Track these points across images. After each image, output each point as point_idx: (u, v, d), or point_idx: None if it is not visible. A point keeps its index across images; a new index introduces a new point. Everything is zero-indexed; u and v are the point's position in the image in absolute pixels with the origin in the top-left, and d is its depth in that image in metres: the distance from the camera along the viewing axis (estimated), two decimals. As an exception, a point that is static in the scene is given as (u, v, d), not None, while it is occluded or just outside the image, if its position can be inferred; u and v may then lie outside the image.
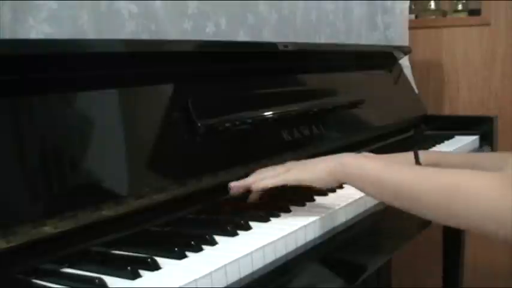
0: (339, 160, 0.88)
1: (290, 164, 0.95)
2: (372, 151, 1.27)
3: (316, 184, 0.90)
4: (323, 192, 1.01)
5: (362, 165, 0.85)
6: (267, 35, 1.49)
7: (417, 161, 1.08)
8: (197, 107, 1.00)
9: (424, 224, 1.33)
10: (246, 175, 1.03)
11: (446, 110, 2.24)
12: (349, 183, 0.88)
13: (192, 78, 1.07)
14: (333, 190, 1.03)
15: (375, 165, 0.84)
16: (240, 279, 0.70)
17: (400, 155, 1.10)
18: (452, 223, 0.77)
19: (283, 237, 0.79)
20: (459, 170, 0.80)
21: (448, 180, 0.75)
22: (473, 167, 1.04)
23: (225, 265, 0.68)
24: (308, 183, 0.90)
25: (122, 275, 0.67)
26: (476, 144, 1.66)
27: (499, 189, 0.70)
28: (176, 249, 0.73)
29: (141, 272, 0.68)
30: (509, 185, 0.70)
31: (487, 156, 1.15)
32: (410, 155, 1.09)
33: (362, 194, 0.99)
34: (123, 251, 0.76)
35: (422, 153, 1.10)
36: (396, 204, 0.81)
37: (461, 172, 0.78)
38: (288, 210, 0.92)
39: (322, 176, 0.88)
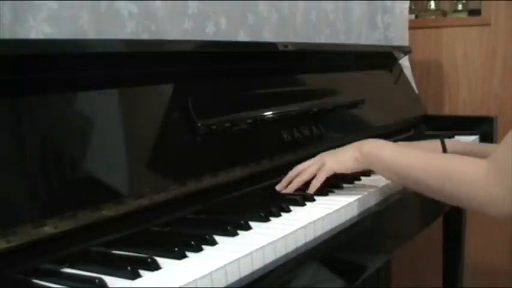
0: (361, 148, 0.99)
1: (323, 157, 1.04)
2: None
3: (347, 171, 1.02)
4: (323, 192, 1.01)
5: (377, 153, 0.97)
6: (267, 35, 1.49)
7: (444, 148, 1.19)
8: (197, 107, 1.00)
9: (424, 223, 1.33)
10: (246, 175, 1.03)
11: (446, 110, 2.24)
12: (371, 169, 1.01)
13: (192, 78, 1.07)
14: (332, 191, 1.03)
15: (389, 152, 0.97)
16: (240, 279, 0.70)
17: (427, 142, 1.23)
18: (447, 201, 0.93)
19: (283, 237, 0.79)
20: (452, 157, 0.96)
21: (443, 166, 0.89)
22: None
23: (225, 265, 0.68)
24: (340, 172, 1.02)
25: (122, 275, 0.67)
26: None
27: (484, 174, 0.84)
28: (176, 249, 0.73)
29: (141, 272, 0.68)
30: (493, 171, 0.83)
31: None
32: (437, 142, 1.21)
33: (361, 193, 1.00)
34: (123, 251, 0.76)
35: (453, 141, 1.24)
36: (406, 185, 0.97)
37: (454, 159, 0.93)
38: (288, 210, 0.92)
39: (349, 165, 1.00)
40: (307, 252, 0.81)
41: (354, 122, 1.48)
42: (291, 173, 1.06)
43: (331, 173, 1.01)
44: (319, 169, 1.02)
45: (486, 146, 1.29)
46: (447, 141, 1.21)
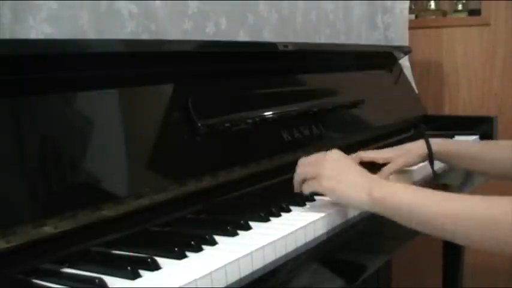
0: (371, 192, 0.87)
1: (324, 169, 0.91)
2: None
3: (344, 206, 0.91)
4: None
5: (393, 200, 0.86)
6: (267, 35, 1.49)
7: (429, 149, 1.17)
8: (197, 107, 1.00)
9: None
10: (246, 175, 1.03)
11: (446, 110, 2.24)
12: (380, 214, 0.89)
13: (192, 78, 1.07)
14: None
15: (405, 198, 0.85)
16: (240, 279, 0.70)
17: (413, 144, 1.21)
18: (473, 247, 0.83)
19: (283, 237, 0.79)
20: (474, 198, 0.82)
21: (465, 211, 0.79)
22: (488, 156, 1.16)
23: (225, 265, 0.68)
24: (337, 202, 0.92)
25: (122, 275, 0.67)
26: (476, 144, 1.66)
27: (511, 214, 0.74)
28: (176, 249, 0.73)
29: (141, 272, 0.68)
30: None
31: (503, 145, 1.19)
32: (422, 142, 1.19)
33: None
34: (123, 251, 0.77)
35: (439, 142, 1.21)
36: (428, 232, 0.85)
37: (476, 200, 0.80)
38: (288, 210, 0.92)
39: (351, 204, 0.90)
40: (307, 252, 0.81)
41: (354, 122, 1.48)
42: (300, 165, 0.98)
43: (326, 195, 0.92)
44: (314, 179, 0.92)
45: (474, 146, 1.30)
46: (432, 140, 1.20)
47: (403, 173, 1.20)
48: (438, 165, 1.26)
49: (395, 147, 1.24)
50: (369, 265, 1.01)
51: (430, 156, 1.19)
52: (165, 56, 1.03)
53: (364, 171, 0.92)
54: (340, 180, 0.90)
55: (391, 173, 1.15)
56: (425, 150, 1.19)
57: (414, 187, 0.90)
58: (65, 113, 0.83)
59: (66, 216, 0.76)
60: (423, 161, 1.21)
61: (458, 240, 0.83)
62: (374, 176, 0.92)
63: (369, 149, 1.32)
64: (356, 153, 1.23)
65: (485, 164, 1.18)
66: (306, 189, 0.94)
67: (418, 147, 1.20)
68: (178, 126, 0.98)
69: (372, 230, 1.00)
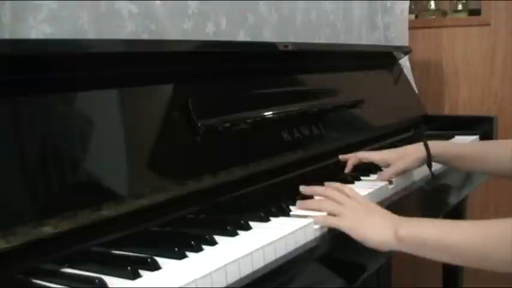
0: (397, 231, 0.85)
1: (345, 208, 0.90)
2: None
3: (365, 245, 0.88)
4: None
5: (420, 236, 0.84)
6: (267, 35, 1.49)
7: (428, 153, 1.18)
8: (197, 107, 1.00)
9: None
10: (246, 175, 1.03)
11: (446, 110, 2.24)
12: (409, 252, 0.87)
13: (192, 78, 1.07)
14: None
15: (432, 233, 0.84)
16: (240, 279, 0.70)
17: (412, 147, 1.20)
18: None
19: (283, 237, 0.79)
20: (496, 222, 0.81)
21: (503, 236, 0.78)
22: (490, 156, 1.16)
23: (225, 265, 0.68)
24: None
25: (122, 275, 0.67)
26: (476, 144, 1.66)
27: None
28: (176, 249, 0.73)
29: (141, 272, 0.68)
30: None
31: (503, 144, 1.18)
32: (420, 146, 1.19)
33: (361, 194, 1.00)
34: (123, 251, 0.77)
35: (438, 145, 1.21)
36: (459, 263, 0.86)
37: (499, 223, 0.80)
38: (288, 210, 0.92)
39: (374, 244, 0.87)
40: (307, 252, 0.81)
41: (354, 122, 1.48)
42: (319, 190, 0.97)
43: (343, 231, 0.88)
44: (335, 213, 0.89)
45: (474, 147, 1.30)
46: (431, 144, 1.20)
47: (401, 174, 1.19)
48: (437, 165, 1.26)
49: (394, 149, 1.24)
50: (368, 265, 1.01)
51: (429, 160, 1.19)
52: (165, 56, 1.03)
53: (386, 212, 0.91)
54: (363, 221, 0.88)
55: (391, 177, 1.14)
56: (424, 154, 1.19)
57: (438, 221, 0.89)
58: (65, 113, 0.83)
59: (66, 216, 0.76)
60: (422, 165, 1.20)
61: (500, 269, 0.80)
62: (396, 216, 0.90)
63: (368, 149, 1.32)
64: (354, 153, 1.23)
65: (486, 165, 1.17)
66: (322, 223, 0.88)
67: (416, 150, 1.19)
68: (179, 126, 0.98)
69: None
